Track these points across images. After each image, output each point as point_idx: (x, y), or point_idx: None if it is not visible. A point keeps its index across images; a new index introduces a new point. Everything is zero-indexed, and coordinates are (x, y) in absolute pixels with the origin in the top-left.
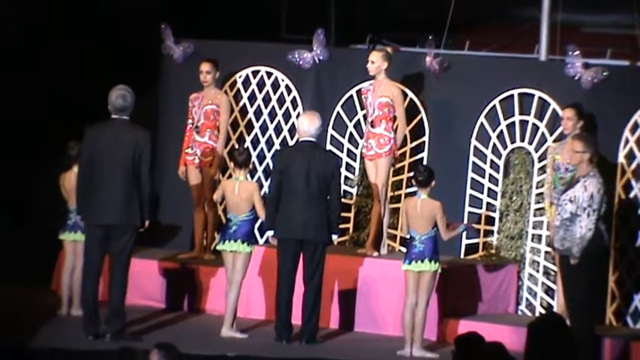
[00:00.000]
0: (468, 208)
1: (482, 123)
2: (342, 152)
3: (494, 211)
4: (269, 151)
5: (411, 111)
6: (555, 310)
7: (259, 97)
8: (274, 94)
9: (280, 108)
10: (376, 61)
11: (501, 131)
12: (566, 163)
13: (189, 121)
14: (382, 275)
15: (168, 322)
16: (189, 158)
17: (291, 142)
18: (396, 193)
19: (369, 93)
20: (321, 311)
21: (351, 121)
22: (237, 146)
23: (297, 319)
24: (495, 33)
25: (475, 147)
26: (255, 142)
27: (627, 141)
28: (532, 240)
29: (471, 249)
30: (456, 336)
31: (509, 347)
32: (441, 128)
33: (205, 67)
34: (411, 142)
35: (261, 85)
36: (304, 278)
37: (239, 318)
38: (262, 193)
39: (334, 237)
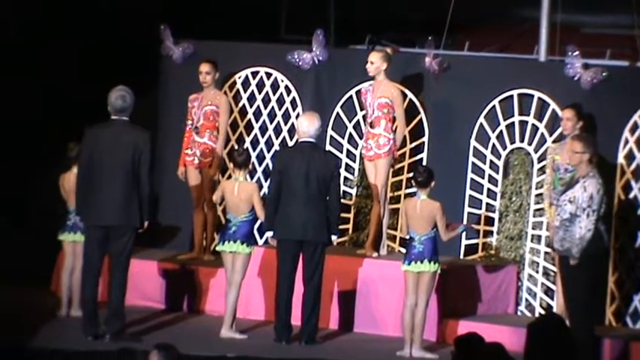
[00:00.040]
0: (467, 209)
1: (481, 123)
2: (342, 153)
3: (494, 212)
4: (268, 151)
5: (411, 111)
6: (555, 310)
7: (259, 97)
8: (274, 94)
9: (280, 109)
10: (376, 62)
11: (501, 132)
12: (566, 164)
13: (189, 121)
14: (382, 276)
15: (167, 322)
16: (189, 159)
17: (290, 143)
18: (396, 193)
19: (369, 93)
20: (321, 312)
21: (350, 121)
22: (236, 147)
23: (296, 319)
24: (495, 33)
25: (474, 147)
26: (255, 143)
27: (627, 141)
28: (531, 241)
29: (471, 250)
30: (456, 337)
31: (508, 348)
32: (441, 129)
33: (205, 67)
34: (411, 143)
35: (260, 85)
36: (304, 279)
37: (238, 319)
38: (262, 193)
39: (334, 238)
